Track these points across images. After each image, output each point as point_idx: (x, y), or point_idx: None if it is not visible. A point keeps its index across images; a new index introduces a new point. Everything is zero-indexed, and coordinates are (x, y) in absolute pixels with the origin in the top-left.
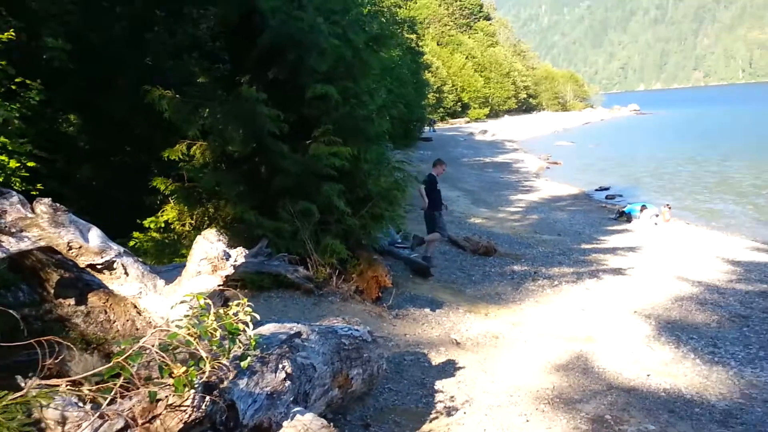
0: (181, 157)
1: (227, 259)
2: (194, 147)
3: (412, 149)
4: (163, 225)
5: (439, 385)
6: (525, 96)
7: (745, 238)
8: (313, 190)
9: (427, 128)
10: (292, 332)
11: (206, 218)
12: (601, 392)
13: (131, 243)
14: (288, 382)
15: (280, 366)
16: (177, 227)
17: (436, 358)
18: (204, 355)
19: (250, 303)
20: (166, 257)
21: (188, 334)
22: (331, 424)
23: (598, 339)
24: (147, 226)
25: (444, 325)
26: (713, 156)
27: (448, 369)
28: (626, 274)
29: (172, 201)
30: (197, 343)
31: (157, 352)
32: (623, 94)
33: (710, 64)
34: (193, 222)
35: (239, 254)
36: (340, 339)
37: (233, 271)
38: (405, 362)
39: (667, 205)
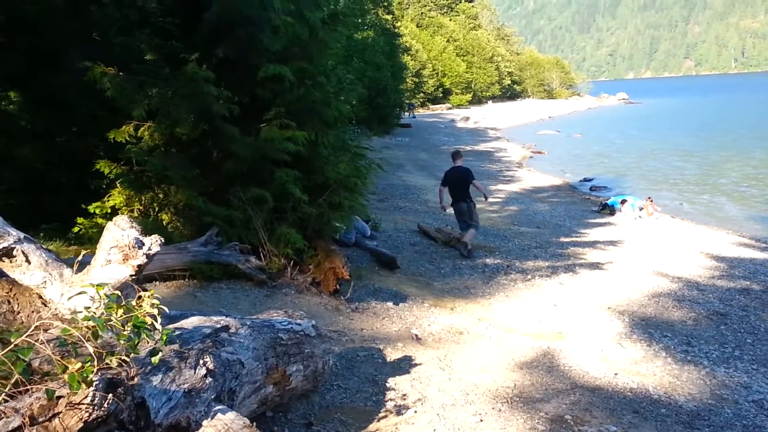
0: (128, 139)
1: (140, 248)
2: (142, 128)
3: (390, 136)
4: (109, 211)
5: (391, 382)
6: (509, 82)
7: (731, 233)
8: (267, 176)
9: (406, 114)
10: (219, 326)
11: (155, 204)
12: (564, 391)
13: (75, 229)
14: (209, 379)
15: (201, 362)
16: (125, 213)
17: (393, 354)
18: (92, 350)
19: (157, 296)
20: None
21: (86, 327)
22: (254, 424)
23: (568, 336)
24: (92, 211)
25: (405, 320)
26: (701, 149)
27: (404, 366)
28: (604, 268)
29: (118, 185)
30: (90, 338)
31: (40, 346)
32: (612, 82)
33: (702, 53)
34: (141, 208)
35: (153, 242)
36: (277, 333)
37: (146, 260)
38: (358, 358)
39: (649, 198)
